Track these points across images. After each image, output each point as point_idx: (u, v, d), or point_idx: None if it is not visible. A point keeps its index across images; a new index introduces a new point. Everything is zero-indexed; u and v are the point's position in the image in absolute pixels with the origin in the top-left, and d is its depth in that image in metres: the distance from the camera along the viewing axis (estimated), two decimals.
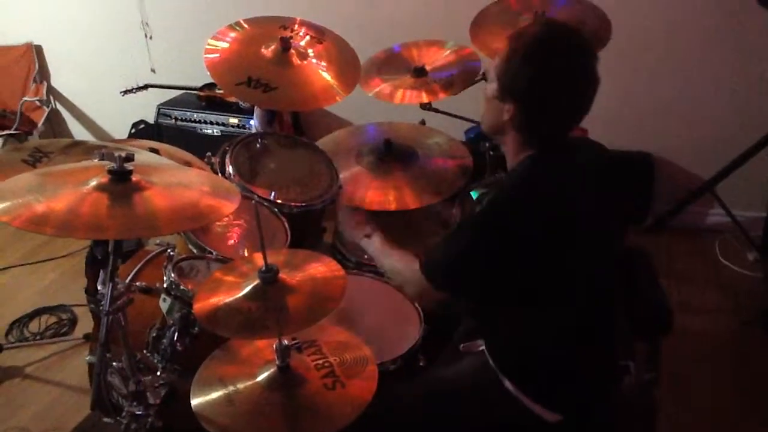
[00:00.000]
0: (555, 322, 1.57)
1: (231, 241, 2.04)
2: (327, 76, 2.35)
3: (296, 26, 2.45)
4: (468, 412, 1.66)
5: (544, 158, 1.55)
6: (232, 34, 2.37)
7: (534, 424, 1.59)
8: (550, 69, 1.49)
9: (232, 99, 3.69)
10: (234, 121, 3.68)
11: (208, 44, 2.31)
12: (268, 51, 2.33)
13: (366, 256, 2.26)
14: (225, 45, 2.33)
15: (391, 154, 2.41)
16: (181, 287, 1.75)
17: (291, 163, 2.35)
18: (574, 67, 1.50)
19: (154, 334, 1.83)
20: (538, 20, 1.57)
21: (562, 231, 1.50)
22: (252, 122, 3.56)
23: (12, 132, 3.97)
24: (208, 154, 2.23)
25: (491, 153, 2.51)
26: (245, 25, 2.41)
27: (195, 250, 1.95)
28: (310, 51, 2.39)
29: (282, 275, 1.47)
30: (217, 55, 2.30)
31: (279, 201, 2.15)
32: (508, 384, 1.61)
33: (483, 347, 1.70)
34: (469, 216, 1.63)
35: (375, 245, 1.92)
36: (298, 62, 2.33)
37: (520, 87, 1.51)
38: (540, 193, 1.51)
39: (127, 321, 1.62)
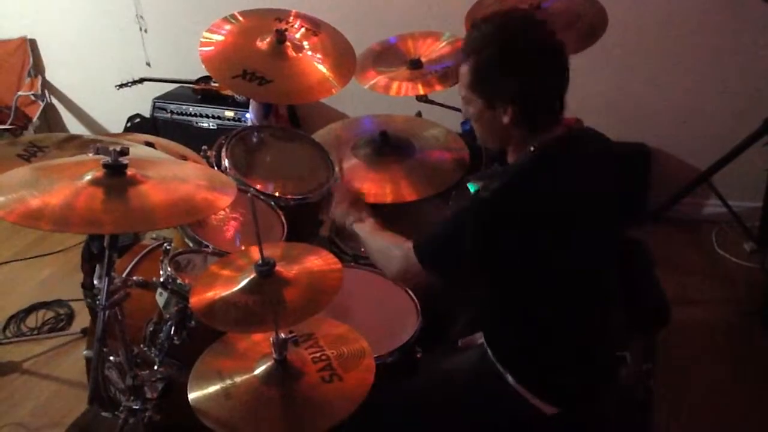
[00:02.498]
0: (555, 315, 1.57)
1: (227, 235, 2.04)
2: (322, 68, 2.34)
3: (291, 18, 2.43)
4: (466, 404, 1.66)
5: (548, 148, 1.54)
6: (227, 27, 2.35)
7: (532, 416, 1.60)
8: (526, 55, 1.51)
9: (228, 92, 3.69)
10: (230, 114, 3.67)
11: (203, 37, 2.30)
12: (263, 43, 2.31)
13: (363, 249, 2.26)
14: (220, 38, 2.31)
15: (388, 147, 2.40)
16: (178, 281, 1.75)
17: (287, 156, 2.35)
18: (543, 43, 1.52)
19: (151, 329, 1.82)
20: (475, 25, 1.59)
21: (563, 222, 1.50)
22: (248, 115, 3.55)
23: (7, 127, 3.96)
24: (204, 147, 2.22)
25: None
26: (240, 18, 2.40)
27: (191, 244, 1.95)
28: (305, 43, 2.38)
29: (279, 268, 1.47)
30: (212, 48, 2.29)
31: (275, 194, 2.15)
32: (508, 377, 1.61)
33: (482, 341, 1.70)
34: (469, 202, 1.61)
35: (366, 228, 1.89)
36: (294, 54, 2.32)
37: (509, 86, 1.52)
38: (544, 184, 1.51)
39: (124, 315, 1.62)
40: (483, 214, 1.51)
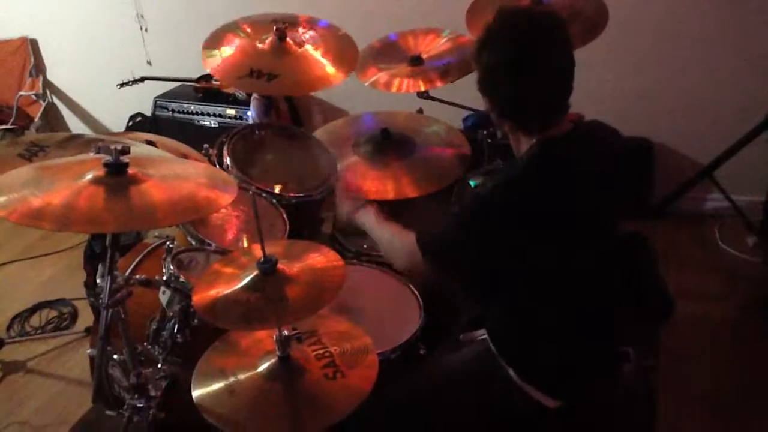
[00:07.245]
0: (557, 311, 1.58)
1: (230, 233, 2.04)
2: (324, 60, 2.34)
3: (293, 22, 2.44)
4: (468, 398, 1.66)
5: (550, 146, 1.55)
6: (237, 41, 2.36)
7: (534, 409, 1.60)
8: (505, 72, 1.52)
9: (229, 90, 3.68)
10: (231, 112, 3.67)
11: (206, 55, 2.30)
12: (265, 44, 2.32)
13: (365, 245, 2.26)
14: (229, 50, 2.32)
15: (389, 144, 2.40)
16: (181, 279, 1.75)
17: (288, 153, 2.35)
18: (540, 55, 1.51)
19: (155, 327, 1.83)
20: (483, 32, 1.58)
21: (563, 221, 1.50)
22: (249, 113, 3.55)
23: (8, 127, 3.96)
24: (206, 145, 2.22)
25: (489, 141, 2.50)
26: (248, 30, 2.39)
27: (194, 242, 1.95)
28: (306, 36, 2.39)
29: (281, 266, 1.47)
30: (219, 60, 2.30)
31: (277, 192, 2.15)
32: (511, 372, 1.61)
33: (483, 336, 1.70)
34: (472, 197, 1.63)
35: (370, 216, 1.92)
36: (296, 49, 2.34)
37: (498, 101, 1.58)
38: (545, 183, 1.51)
39: (127, 314, 1.62)
40: (481, 211, 1.54)
